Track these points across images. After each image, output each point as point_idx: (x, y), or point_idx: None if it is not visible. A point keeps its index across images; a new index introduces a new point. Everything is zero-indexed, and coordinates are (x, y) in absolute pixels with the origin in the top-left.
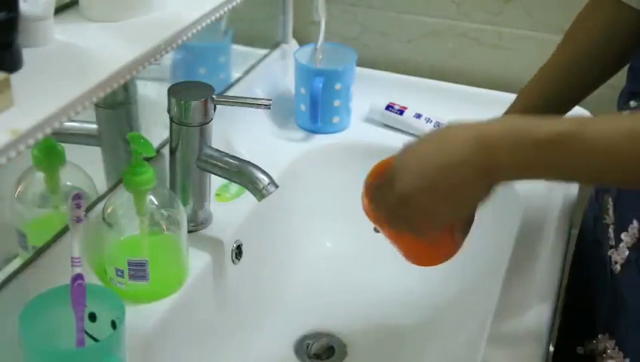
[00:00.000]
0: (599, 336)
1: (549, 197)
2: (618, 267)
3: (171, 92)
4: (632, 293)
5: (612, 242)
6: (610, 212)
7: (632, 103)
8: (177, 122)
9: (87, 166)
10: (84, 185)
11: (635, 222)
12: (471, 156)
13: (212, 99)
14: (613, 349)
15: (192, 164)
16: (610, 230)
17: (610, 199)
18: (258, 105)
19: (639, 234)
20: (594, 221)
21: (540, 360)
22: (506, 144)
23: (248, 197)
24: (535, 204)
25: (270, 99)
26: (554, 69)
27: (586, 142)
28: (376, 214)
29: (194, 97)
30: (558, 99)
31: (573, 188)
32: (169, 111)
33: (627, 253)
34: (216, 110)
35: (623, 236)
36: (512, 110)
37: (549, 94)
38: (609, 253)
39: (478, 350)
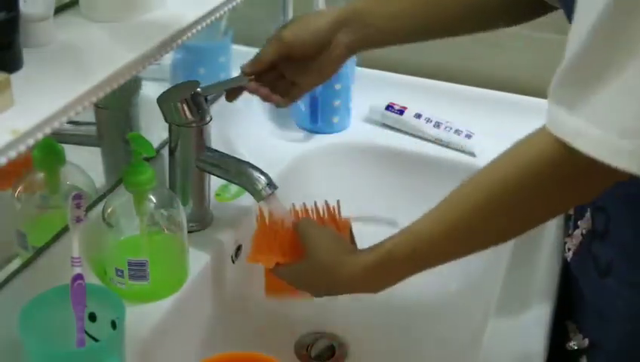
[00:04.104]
0: (566, 322)
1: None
2: (570, 254)
3: (160, 101)
4: (584, 278)
5: (570, 231)
6: None
7: None
8: (176, 124)
9: (87, 166)
10: (84, 185)
11: (588, 211)
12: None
13: (198, 92)
14: (574, 332)
15: (192, 164)
16: (572, 220)
17: None
18: (242, 82)
19: (592, 221)
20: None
21: (539, 360)
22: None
23: (248, 197)
24: None
25: (252, 74)
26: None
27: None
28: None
29: (182, 96)
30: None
31: None
32: (165, 120)
33: (580, 238)
34: (216, 111)
35: (579, 223)
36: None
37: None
38: (565, 240)
39: (478, 349)
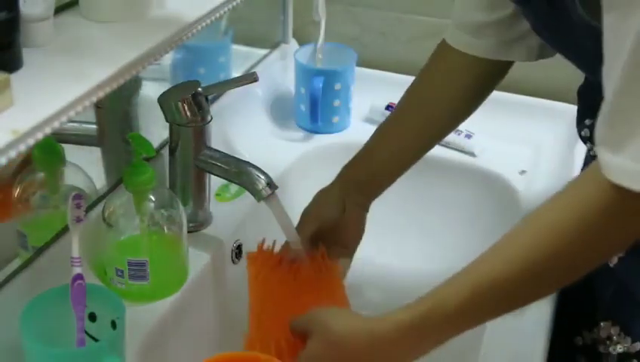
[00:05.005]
0: (601, 324)
1: (548, 197)
2: (615, 259)
3: (161, 101)
4: (635, 282)
5: None
6: None
7: (587, 121)
8: (176, 124)
9: (87, 166)
10: (84, 185)
11: None
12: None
13: (199, 92)
14: (619, 335)
15: (192, 164)
16: None
17: None
18: (244, 81)
19: None
20: None
21: (539, 360)
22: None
23: (248, 197)
24: (535, 203)
25: (255, 72)
26: (405, 123)
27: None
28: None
29: (182, 95)
30: (413, 149)
31: None
32: (166, 119)
33: None
34: (216, 111)
35: None
36: (363, 156)
37: (402, 146)
38: None
39: (478, 349)
